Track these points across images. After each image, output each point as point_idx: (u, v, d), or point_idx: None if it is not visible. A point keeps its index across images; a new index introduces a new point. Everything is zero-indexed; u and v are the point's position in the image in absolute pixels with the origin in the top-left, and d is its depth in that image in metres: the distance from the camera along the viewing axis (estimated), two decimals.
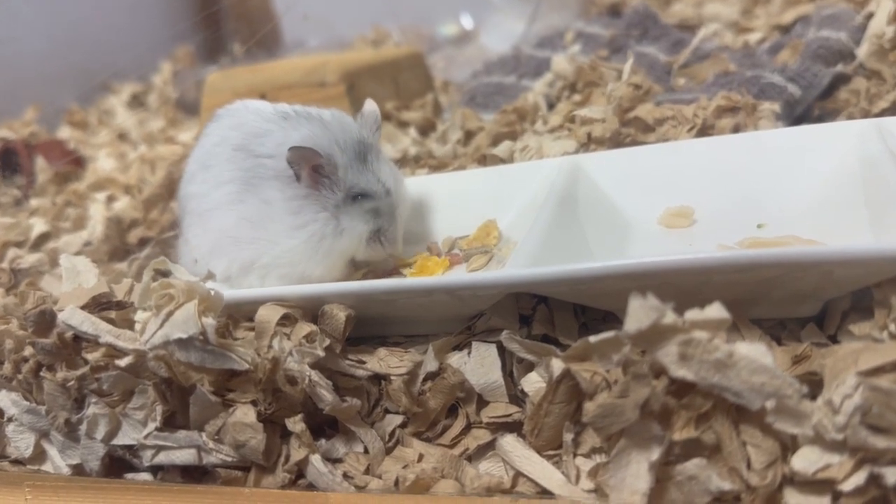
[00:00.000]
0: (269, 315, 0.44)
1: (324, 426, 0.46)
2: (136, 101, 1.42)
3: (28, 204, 0.93)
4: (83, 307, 0.45)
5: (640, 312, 0.33)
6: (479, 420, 0.44)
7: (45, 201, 0.88)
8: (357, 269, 0.55)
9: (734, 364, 0.33)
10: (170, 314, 0.41)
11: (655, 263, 0.38)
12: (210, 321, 0.40)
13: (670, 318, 0.34)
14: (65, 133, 1.24)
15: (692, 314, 0.34)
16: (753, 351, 0.33)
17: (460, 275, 0.48)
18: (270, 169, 0.52)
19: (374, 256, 0.55)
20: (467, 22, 1.44)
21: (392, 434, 0.45)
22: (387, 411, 0.47)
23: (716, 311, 0.34)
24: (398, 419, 0.46)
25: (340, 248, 0.53)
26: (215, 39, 1.72)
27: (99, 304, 0.46)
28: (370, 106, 0.57)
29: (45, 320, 0.44)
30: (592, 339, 0.37)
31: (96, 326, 0.43)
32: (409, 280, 0.49)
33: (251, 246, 0.52)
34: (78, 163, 1.06)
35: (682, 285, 0.40)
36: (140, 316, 0.42)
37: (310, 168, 0.51)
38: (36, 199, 0.94)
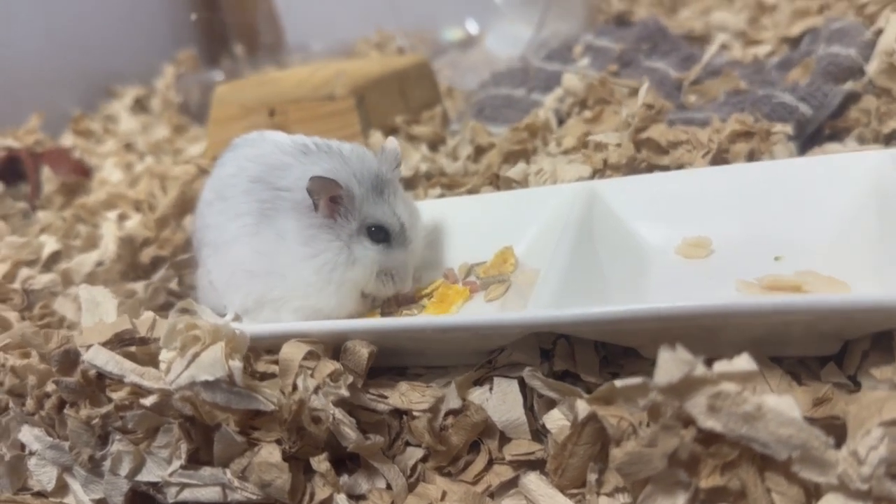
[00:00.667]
0: (293, 353, 0.44)
1: (345, 460, 0.46)
2: (140, 106, 1.41)
3: (35, 216, 0.92)
4: (106, 343, 0.45)
5: (670, 365, 0.34)
6: (502, 457, 0.44)
7: (53, 215, 0.88)
8: (367, 302, 0.55)
9: (762, 416, 0.34)
10: (196, 355, 0.41)
11: (679, 309, 0.39)
12: (237, 364, 0.40)
13: (700, 370, 0.34)
14: (69, 139, 1.23)
15: (721, 366, 0.34)
16: (781, 404, 0.34)
17: (484, 315, 0.48)
18: (288, 201, 0.52)
19: (383, 292, 0.55)
20: (472, 27, 1.44)
21: (414, 468, 0.46)
22: (408, 444, 0.47)
23: (744, 362, 0.34)
24: (419, 452, 0.46)
25: (353, 277, 0.53)
26: (217, 42, 1.72)
27: (122, 341, 0.46)
28: (392, 144, 0.57)
29: (69, 359, 0.44)
30: (618, 383, 0.38)
31: (121, 366, 0.43)
32: (433, 318, 0.50)
33: (264, 279, 0.52)
34: (84, 173, 1.06)
35: (703, 326, 0.40)
36: (165, 356, 0.42)
37: (328, 198, 0.52)
38: (43, 211, 0.94)
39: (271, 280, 0.52)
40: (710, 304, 0.38)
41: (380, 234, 0.53)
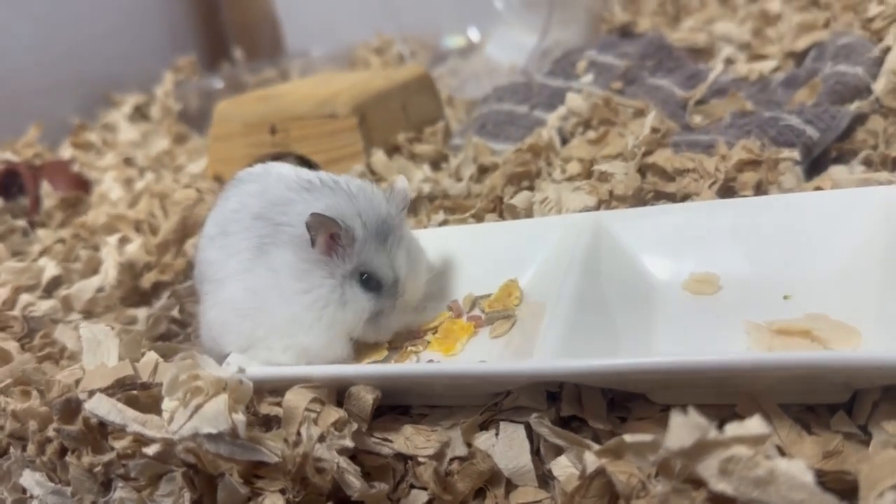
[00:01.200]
0: (296, 400, 0.44)
1: None
2: (139, 114, 1.40)
3: (35, 234, 0.92)
4: (107, 388, 0.45)
5: (682, 430, 0.33)
6: None
7: (53, 234, 0.87)
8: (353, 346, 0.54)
9: (774, 480, 0.33)
10: (198, 407, 0.40)
11: (686, 364, 0.39)
12: (241, 418, 0.40)
13: (713, 434, 0.33)
14: (68, 151, 1.22)
15: (733, 428, 0.34)
16: (793, 468, 0.33)
17: (488, 366, 0.47)
18: (286, 234, 0.52)
19: (367, 338, 0.54)
20: (473, 34, 1.43)
21: None
22: (412, 486, 0.47)
23: (757, 425, 0.34)
24: (424, 496, 0.46)
25: (344, 318, 0.52)
26: (216, 48, 1.71)
27: (123, 386, 0.45)
28: (402, 184, 0.56)
29: (70, 408, 0.43)
30: (628, 438, 0.37)
31: (123, 415, 0.43)
32: (437, 367, 0.49)
33: (253, 317, 0.51)
34: (83, 186, 1.05)
35: (711, 377, 0.40)
36: (167, 405, 0.42)
37: (327, 236, 0.51)
38: (42, 228, 0.94)
39: (259, 317, 0.51)
40: (716, 360, 0.38)
41: (371, 283, 0.52)
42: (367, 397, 0.45)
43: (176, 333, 0.65)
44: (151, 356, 0.48)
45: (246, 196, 0.54)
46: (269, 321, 0.51)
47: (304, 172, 0.55)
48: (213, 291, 0.53)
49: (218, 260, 0.54)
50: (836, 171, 0.67)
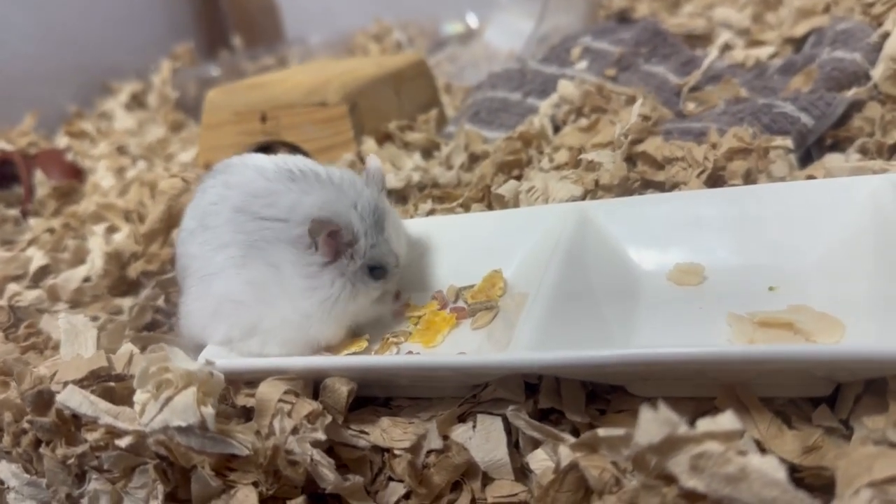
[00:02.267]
0: (270, 392, 0.43)
1: (327, 497, 0.46)
2: (136, 102, 1.40)
3: (27, 223, 0.92)
4: (81, 380, 0.45)
5: (651, 426, 0.33)
6: (484, 498, 0.43)
7: (44, 223, 0.87)
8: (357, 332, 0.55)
9: (746, 477, 0.33)
10: (168, 399, 0.40)
11: (665, 355, 0.38)
12: (209, 411, 0.39)
13: (683, 430, 0.33)
14: (63, 140, 1.22)
15: (704, 424, 0.33)
16: (766, 465, 0.32)
17: (463, 357, 0.47)
18: (280, 232, 0.51)
19: (370, 315, 0.55)
20: (472, 20, 1.41)
21: None
22: (390, 479, 0.46)
23: (728, 421, 0.33)
24: (401, 489, 0.45)
25: (355, 309, 0.53)
26: (215, 35, 1.70)
27: (98, 377, 0.45)
28: (374, 162, 0.55)
29: (42, 400, 0.43)
30: (601, 432, 0.37)
31: (95, 407, 0.42)
32: (414, 358, 0.48)
33: (254, 310, 0.50)
34: (77, 175, 1.05)
35: (691, 369, 0.39)
36: (139, 397, 0.41)
37: (326, 235, 0.50)
38: (35, 217, 0.93)
39: (262, 310, 0.51)
40: (696, 352, 0.37)
41: (378, 272, 0.53)
42: (342, 389, 0.44)
43: (161, 323, 0.65)
44: (127, 347, 0.47)
45: (222, 188, 0.53)
46: (272, 314, 0.51)
47: (282, 161, 0.54)
48: (198, 285, 0.53)
49: (201, 254, 0.53)
50: (831, 159, 0.66)
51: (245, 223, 0.51)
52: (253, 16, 1.71)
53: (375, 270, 0.53)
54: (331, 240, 0.51)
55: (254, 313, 0.51)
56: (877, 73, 0.75)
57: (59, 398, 0.42)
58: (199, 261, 0.52)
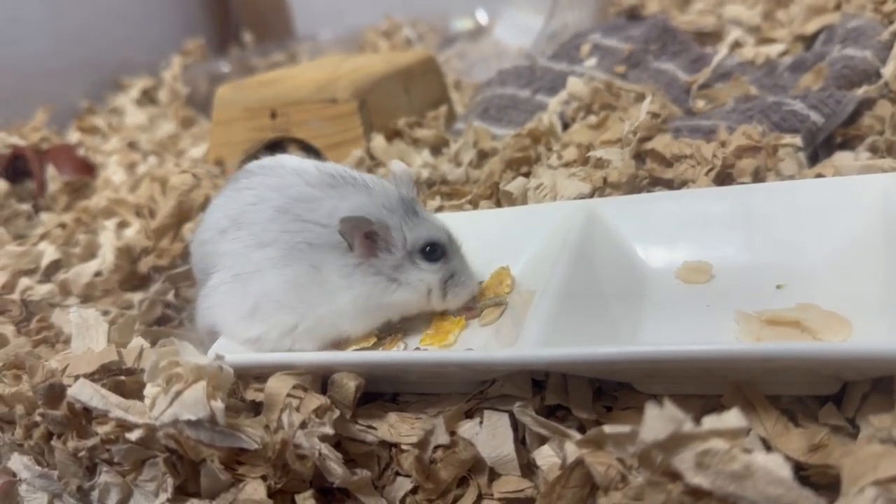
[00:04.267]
0: (278, 387, 0.44)
1: (335, 491, 0.46)
2: (147, 98, 1.41)
3: (38, 218, 0.92)
4: (92, 374, 0.45)
5: (656, 423, 0.33)
6: (491, 493, 0.44)
7: (55, 218, 0.88)
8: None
9: (751, 474, 0.33)
10: (178, 393, 0.40)
11: (671, 353, 0.38)
12: (219, 405, 0.40)
13: (688, 426, 0.33)
14: (75, 135, 1.23)
15: (710, 421, 0.33)
16: (770, 462, 0.33)
17: (475, 353, 0.47)
18: (323, 238, 0.51)
19: (457, 302, 0.54)
20: (482, 16, 1.41)
21: (403, 501, 0.45)
22: (398, 474, 0.46)
23: (734, 419, 0.33)
24: (408, 484, 0.46)
25: (397, 306, 0.53)
26: (225, 31, 1.70)
27: (108, 371, 0.45)
28: (399, 166, 0.55)
29: (54, 393, 0.44)
30: (608, 429, 0.37)
31: (106, 401, 0.43)
32: (422, 354, 0.49)
33: (296, 310, 0.51)
34: (89, 170, 1.06)
35: (698, 367, 0.39)
36: (149, 391, 0.42)
37: (362, 236, 0.51)
38: (47, 212, 0.94)
39: (304, 310, 0.51)
40: (702, 349, 0.37)
41: (436, 251, 0.52)
42: (350, 384, 0.45)
43: (171, 318, 0.65)
44: (137, 342, 0.48)
45: (263, 189, 0.53)
46: (311, 313, 0.51)
47: (322, 166, 0.55)
48: (230, 283, 0.52)
49: (234, 252, 0.53)
50: (841, 157, 0.65)
51: (288, 223, 0.51)
52: (263, 12, 1.72)
53: (433, 252, 0.52)
54: (366, 239, 0.51)
55: (295, 314, 0.51)
56: (887, 71, 0.74)
57: (70, 391, 0.43)
58: (232, 258, 0.52)
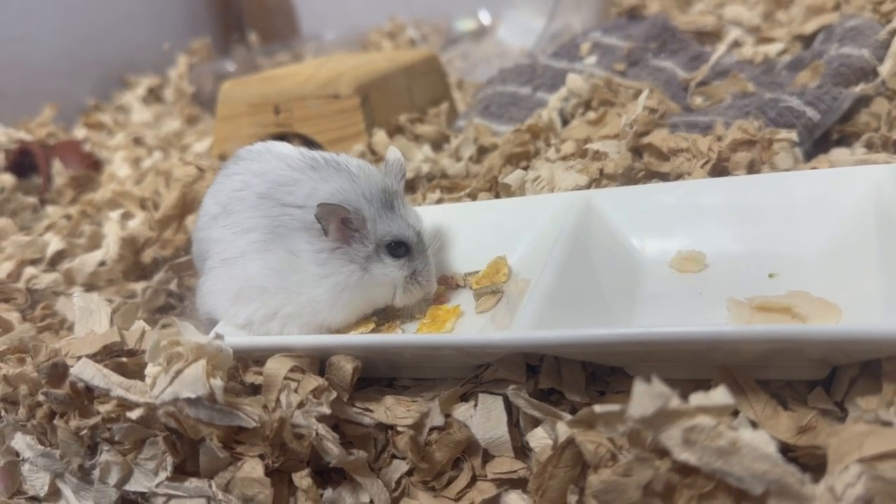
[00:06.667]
0: (277, 368, 0.44)
1: (331, 472, 0.47)
2: (153, 96, 1.42)
3: (44, 210, 0.94)
4: (95, 355, 0.46)
5: (644, 398, 0.33)
6: (485, 474, 0.44)
7: (61, 210, 0.89)
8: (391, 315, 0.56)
9: (737, 451, 0.33)
10: (178, 372, 0.41)
11: (663, 335, 0.38)
12: (218, 383, 0.40)
13: (675, 403, 0.34)
14: (81, 131, 1.24)
15: (697, 398, 0.34)
16: (756, 439, 0.33)
17: (469, 334, 0.48)
18: (298, 220, 0.52)
19: (412, 299, 0.55)
20: (485, 18, 1.42)
21: (399, 482, 0.46)
22: (394, 457, 0.47)
23: (720, 396, 0.34)
24: (405, 466, 0.46)
25: (367, 296, 0.53)
26: (231, 31, 1.71)
27: (110, 352, 0.46)
28: (395, 155, 0.56)
29: (57, 372, 0.44)
30: (598, 409, 0.37)
31: (107, 380, 0.43)
32: (417, 337, 0.50)
33: (277, 295, 0.52)
34: (94, 165, 1.07)
35: (689, 350, 0.40)
36: (150, 370, 0.43)
37: (338, 222, 0.51)
38: (52, 205, 0.95)
39: (284, 296, 0.52)
40: (694, 331, 0.38)
41: (400, 248, 0.53)
42: (347, 367, 0.45)
43: (173, 306, 0.66)
44: (139, 324, 0.49)
45: (249, 175, 0.54)
46: (294, 300, 0.52)
47: (307, 151, 0.55)
48: (220, 268, 0.53)
49: (223, 238, 0.54)
50: (837, 153, 0.66)
51: (269, 209, 0.52)
52: (269, 12, 1.73)
53: (397, 248, 0.53)
54: (341, 225, 0.52)
55: (276, 299, 0.52)
56: (884, 69, 0.75)
57: (72, 371, 0.44)
58: (222, 244, 0.54)
